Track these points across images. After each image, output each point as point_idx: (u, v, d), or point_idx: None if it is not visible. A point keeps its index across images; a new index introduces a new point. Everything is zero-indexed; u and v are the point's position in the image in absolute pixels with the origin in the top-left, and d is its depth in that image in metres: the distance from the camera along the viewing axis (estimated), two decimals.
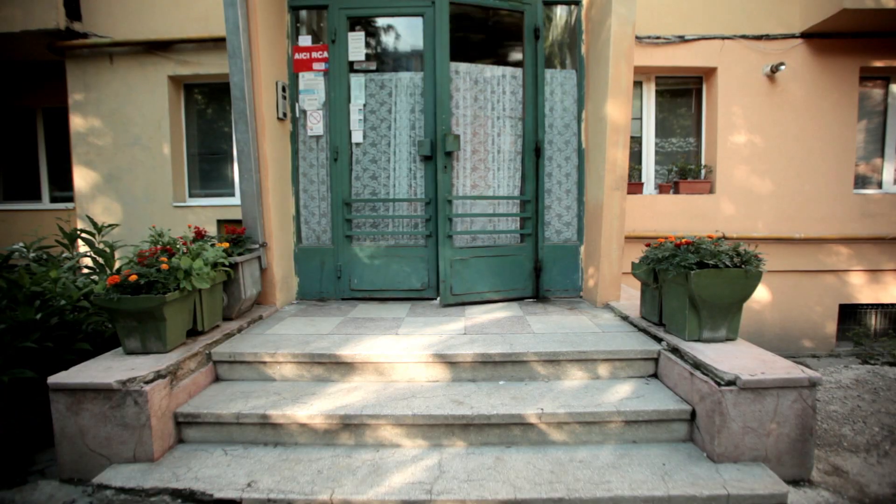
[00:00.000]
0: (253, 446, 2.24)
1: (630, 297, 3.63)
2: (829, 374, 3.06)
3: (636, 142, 4.94)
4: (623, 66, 3.35)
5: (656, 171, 4.99)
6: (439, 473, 2.00)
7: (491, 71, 3.88)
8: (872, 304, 4.94)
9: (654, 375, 2.62)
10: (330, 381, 2.62)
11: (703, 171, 4.86)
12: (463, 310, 3.56)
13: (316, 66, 3.84)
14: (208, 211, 4.66)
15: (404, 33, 3.94)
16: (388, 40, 3.98)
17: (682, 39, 4.64)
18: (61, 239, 3.29)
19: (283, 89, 3.72)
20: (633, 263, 2.91)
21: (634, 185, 4.77)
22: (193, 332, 2.72)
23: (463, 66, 3.84)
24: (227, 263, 2.88)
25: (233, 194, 4.83)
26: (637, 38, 4.52)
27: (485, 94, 3.88)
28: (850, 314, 4.96)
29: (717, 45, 4.66)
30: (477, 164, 3.89)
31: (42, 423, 2.31)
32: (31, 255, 3.14)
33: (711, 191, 4.80)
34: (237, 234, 3.28)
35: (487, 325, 3.10)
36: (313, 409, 2.26)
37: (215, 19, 4.37)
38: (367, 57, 3.88)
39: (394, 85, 3.90)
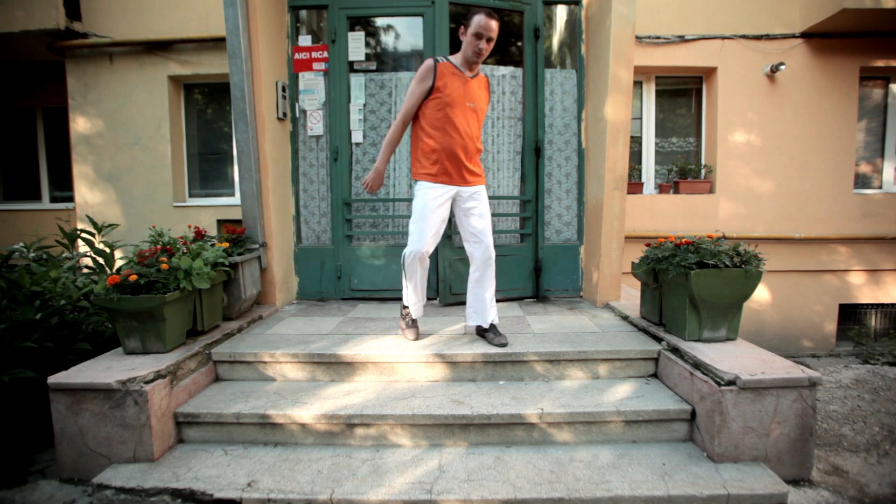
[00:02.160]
0: (253, 446, 2.24)
1: (630, 297, 3.63)
2: (829, 374, 3.06)
3: (636, 142, 4.94)
4: (623, 66, 3.35)
5: (656, 170, 4.99)
6: (439, 473, 2.00)
7: (491, 71, 3.89)
8: (872, 304, 4.94)
9: (654, 375, 2.62)
10: (330, 380, 2.62)
11: (703, 171, 4.86)
12: (463, 309, 3.55)
13: (316, 65, 3.84)
14: (208, 211, 4.66)
15: (404, 33, 3.94)
16: (387, 40, 3.98)
17: (682, 39, 4.64)
18: (61, 239, 3.29)
19: (283, 89, 3.72)
20: (633, 263, 2.91)
21: (634, 185, 4.77)
22: (193, 332, 2.72)
23: None
24: (227, 263, 2.88)
25: (233, 194, 4.83)
26: (637, 37, 4.52)
27: None
28: (851, 314, 4.96)
29: (717, 45, 4.65)
30: None
31: (42, 423, 2.31)
32: (31, 255, 3.14)
33: (711, 191, 4.80)
34: (237, 234, 3.28)
35: None
36: (313, 409, 2.26)
37: (215, 19, 4.37)
38: (367, 57, 3.88)
39: (394, 85, 3.90)
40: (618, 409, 2.23)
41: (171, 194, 4.62)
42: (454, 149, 2.52)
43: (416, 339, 2.75)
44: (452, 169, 2.56)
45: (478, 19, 2.39)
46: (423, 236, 2.56)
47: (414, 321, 2.83)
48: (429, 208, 2.55)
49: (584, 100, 3.88)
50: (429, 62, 2.50)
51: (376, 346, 2.68)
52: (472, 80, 2.58)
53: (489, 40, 2.44)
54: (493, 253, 2.68)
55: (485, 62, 3.93)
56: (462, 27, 2.48)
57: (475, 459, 2.11)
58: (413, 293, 2.76)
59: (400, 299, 3.96)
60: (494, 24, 2.42)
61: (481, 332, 2.77)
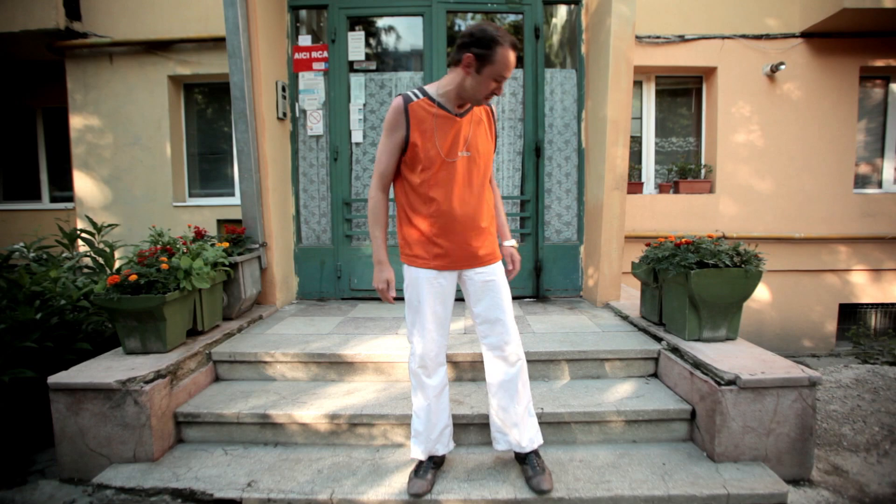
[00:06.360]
0: (253, 446, 2.24)
1: (630, 296, 3.63)
2: (829, 374, 3.06)
3: (636, 141, 4.93)
4: (623, 66, 3.35)
5: (656, 170, 4.98)
6: (440, 473, 2.00)
7: None
8: (872, 304, 4.94)
9: (654, 375, 2.62)
10: (330, 380, 2.62)
11: (703, 171, 4.86)
12: (463, 309, 3.55)
13: (316, 65, 3.84)
14: (208, 211, 4.65)
15: (404, 33, 3.94)
16: (388, 40, 3.98)
17: (682, 39, 4.64)
18: (61, 239, 3.29)
19: (283, 89, 3.72)
20: (633, 263, 2.91)
21: (634, 185, 4.76)
22: (193, 332, 2.72)
23: None
24: (227, 263, 2.88)
25: (233, 194, 4.82)
26: (637, 37, 4.52)
27: None
28: (850, 313, 4.95)
29: (717, 45, 4.65)
30: None
31: (42, 423, 2.31)
32: (31, 255, 3.14)
33: (711, 190, 4.79)
34: (237, 234, 3.28)
35: None
36: (314, 409, 2.26)
37: (215, 19, 4.36)
38: (367, 56, 3.88)
39: (394, 85, 3.90)
40: (618, 409, 2.23)
41: (171, 194, 4.62)
42: (451, 226, 1.78)
43: (422, 494, 1.86)
44: (452, 250, 1.81)
45: (503, 56, 1.63)
46: (421, 334, 1.85)
47: (421, 466, 1.94)
48: (422, 296, 1.83)
49: (584, 99, 3.88)
50: (398, 102, 1.74)
51: (376, 346, 2.67)
52: (464, 118, 1.79)
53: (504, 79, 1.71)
54: (520, 351, 1.91)
55: None
56: (468, 55, 1.64)
57: (475, 459, 2.10)
58: (416, 418, 1.93)
59: (400, 299, 3.94)
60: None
61: (519, 460, 2.00)
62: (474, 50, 1.63)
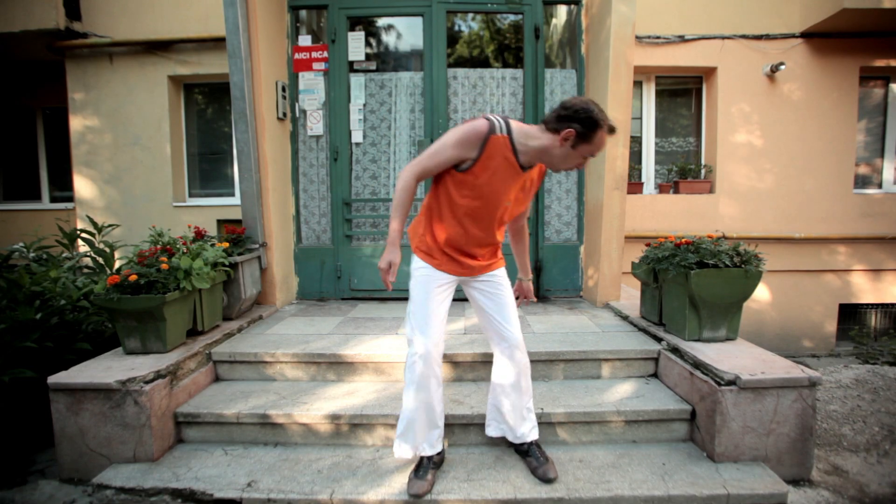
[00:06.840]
0: (253, 446, 2.24)
1: (630, 296, 3.63)
2: (829, 374, 3.06)
3: (636, 142, 4.93)
4: (623, 66, 3.35)
5: (656, 170, 4.98)
6: (440, 473, 2.00)
7: (490, 73, 3.89)
8: (873, 304, 4.94)
9: (654, 375, 2.62)
10: (330, 380, 2.62)
11: (703, 171, 4.86)
12: (463, 309, 3.55)
13: (316, 65, 3.84)
14: (208, 211, 4.65)
15: (404, 33, 3.94)
16: (388, 40, 3.98)
17: (682, 39, 4.64)
18: (61, 239, 3.29)
19: (283, 89, 3.72)
20: (633, 263, 2.91)
21: (634, 185, 4.76)
22: (193, 332, 2.72)
23: (461, 71, 3.85)
24: (227, 263, 2.88)
25: (233, 194, 4.82)
26: (637, 37, 4.52)
27: (483, 96, 3.89)
28: (851, 314, 4.96)
29: (717, 45, 4.65)
30: None
31: (42, 423, 2.31)
32: (31, 255, 3.14)
33: (711, 190, 4.79)
34: (237, 234, 3.28)
35: None
36: (314, 409, 2.26)
37: (215, 19, 4.37)
38: (367, 57, 3.88)
39: (394, 85, 3.90)
40: (618, 409, 2.23)
41: (171, 194, 4.62)
42: (462, 247, 1.90)
43: (422, 494, 1.87)
44: (461, 258, 1.91)
45: (600, 139, 1.68)
46: (425, 332, 1.85)
47: (421, 466, 1.96)
48: (430, 294, 1.88)
49: None
50: (481, 126, 1.69)
51: (376, 346, 2.67)
52: (526, 173, 1.81)
53: None
54: (525, 358, 2.01)
55: (487, 66, 3.95)
56: (570, 130, 1.64)
57: (475, 459, 2.10)
58: (406, 417, 1.93)
59: (400, 299, 3.95)
60: None
61: (521, 453, 2.10)
62: (576, 127, 1.64)
